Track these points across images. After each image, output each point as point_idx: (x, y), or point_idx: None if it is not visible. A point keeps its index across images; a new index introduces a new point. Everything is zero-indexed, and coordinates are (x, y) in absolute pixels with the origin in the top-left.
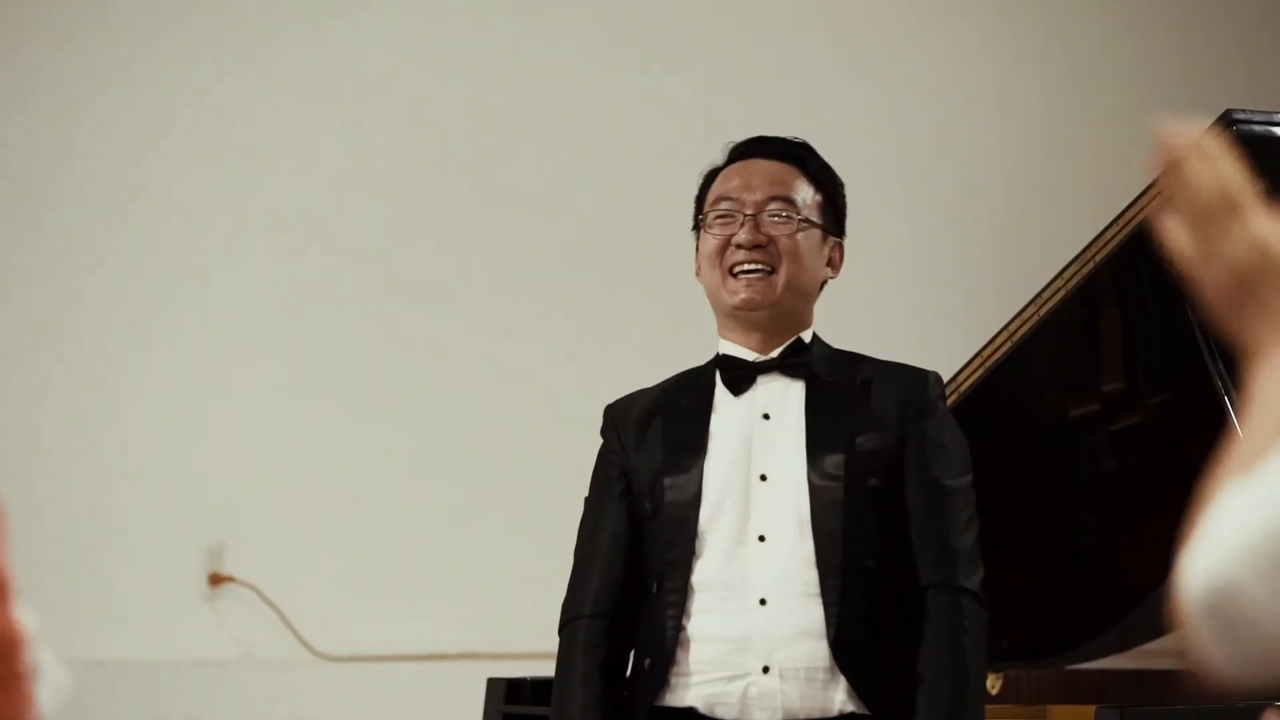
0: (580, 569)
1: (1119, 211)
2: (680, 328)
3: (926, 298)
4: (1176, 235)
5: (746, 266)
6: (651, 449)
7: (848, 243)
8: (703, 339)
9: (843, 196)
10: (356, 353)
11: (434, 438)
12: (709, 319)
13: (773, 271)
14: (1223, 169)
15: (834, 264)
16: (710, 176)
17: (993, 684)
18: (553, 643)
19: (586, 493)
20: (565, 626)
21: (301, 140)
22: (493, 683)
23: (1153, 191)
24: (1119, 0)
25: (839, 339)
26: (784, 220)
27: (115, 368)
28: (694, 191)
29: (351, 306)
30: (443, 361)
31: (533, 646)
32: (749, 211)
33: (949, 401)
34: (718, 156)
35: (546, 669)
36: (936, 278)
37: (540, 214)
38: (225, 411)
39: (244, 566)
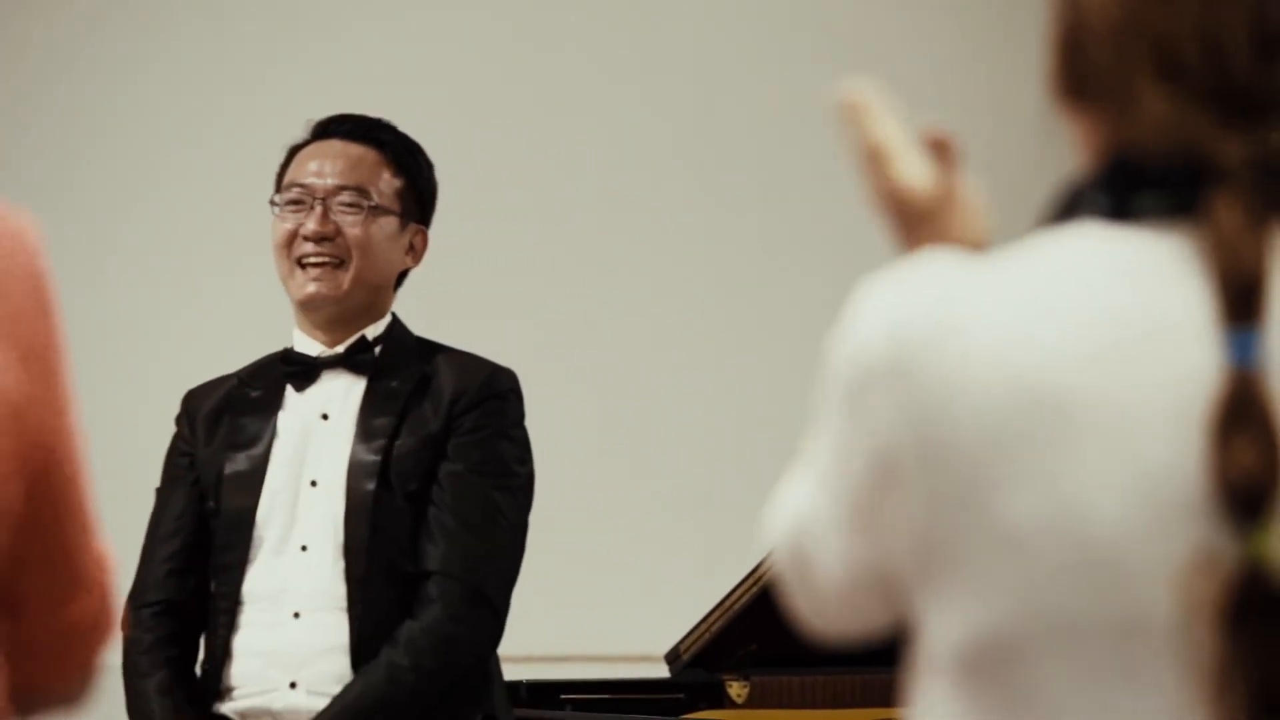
0: (145, 559)
1: None
2: (665, 325)
3: None
4: (860, 183)
5: (313, 259)
6: (219, 445)
7: (848, 250)
8: (699, 334)
9: (427, 181)
10: None
11: None
12: (695, 312)
13: (341, 264)
14: (877, 120)
15: (415, 252)
16: (290, 155)
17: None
18: (550, 646)
19: (587, 485)
20: (131, 615)
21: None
22: None
23: None
24: None
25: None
26: (354, 210)
27: (111, 374)
28: (687, 192)
29: None
30: None
31: (529, 650)
32: (318, 197)
33: None
34: (730, 150)
35: (543, 672)
36: None
37: (539, 222)
38: None
39: None
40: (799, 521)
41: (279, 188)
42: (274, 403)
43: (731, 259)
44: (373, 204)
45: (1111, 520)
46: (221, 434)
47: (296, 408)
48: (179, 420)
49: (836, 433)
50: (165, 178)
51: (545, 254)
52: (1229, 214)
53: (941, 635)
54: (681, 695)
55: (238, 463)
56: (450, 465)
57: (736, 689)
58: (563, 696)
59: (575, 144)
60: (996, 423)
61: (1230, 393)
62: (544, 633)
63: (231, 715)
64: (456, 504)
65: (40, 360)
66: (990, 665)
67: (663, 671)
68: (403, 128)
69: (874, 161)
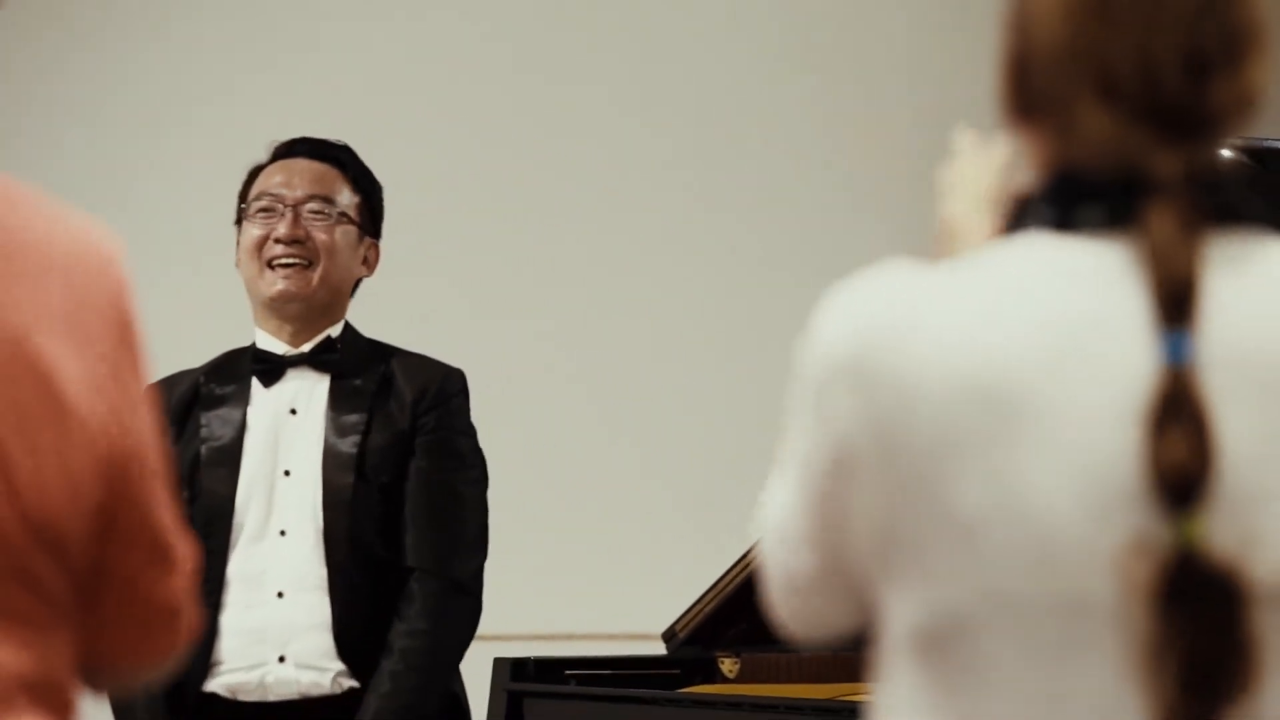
0: None
1: None
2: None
3: None
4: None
5: (284, 260)
6: (190, 438)
7: (843, 253)
8: (699, 333)
9: (380, 199)
10: None
11: None
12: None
13: (310, 265)
14: (957, 166)
15: (369, 263)
16: (254, 174)
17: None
18: (556, 624)
19: (590, 477)
20: None
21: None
22: (498, 662)
23: None
24: None
25: None
26: (322, 217)
27: None
28: (683, 197)
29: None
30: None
31: (537, 628)
32: (289, 205)
33: None
34: (730, 159)
35: (550, 649)
36: None
37: (544, 226)
38: None
39: None
40: (774, 524)
41: (244, 200)
42: (242, 397)
43: (731, 260)
44: (339, 211)
45: (1056, 508)
46: (192, 426)
47: (265, 403)
48: None
49: (803, 431)
50: (160, 179)
51: (549, 256)
52: (1163, 224)
53: (901, 617)
54: (677, 671)
55: (212, 454)
56: (419, 462)
57: (728, 665)
58: (567, 672)
59: (577, 149)
60: (950, 419)
61: (1164, 389)
62: (550, 613)
63: (220, 691)
64: (429, 499)
65: (122, 367)
66: (945, 643)
67: (660, 649)
68: (407, 134)
69: (944, 237)
